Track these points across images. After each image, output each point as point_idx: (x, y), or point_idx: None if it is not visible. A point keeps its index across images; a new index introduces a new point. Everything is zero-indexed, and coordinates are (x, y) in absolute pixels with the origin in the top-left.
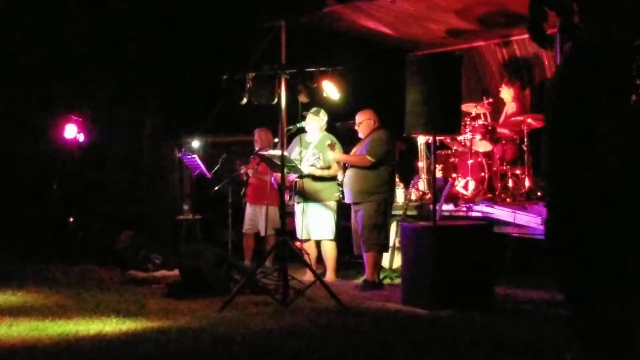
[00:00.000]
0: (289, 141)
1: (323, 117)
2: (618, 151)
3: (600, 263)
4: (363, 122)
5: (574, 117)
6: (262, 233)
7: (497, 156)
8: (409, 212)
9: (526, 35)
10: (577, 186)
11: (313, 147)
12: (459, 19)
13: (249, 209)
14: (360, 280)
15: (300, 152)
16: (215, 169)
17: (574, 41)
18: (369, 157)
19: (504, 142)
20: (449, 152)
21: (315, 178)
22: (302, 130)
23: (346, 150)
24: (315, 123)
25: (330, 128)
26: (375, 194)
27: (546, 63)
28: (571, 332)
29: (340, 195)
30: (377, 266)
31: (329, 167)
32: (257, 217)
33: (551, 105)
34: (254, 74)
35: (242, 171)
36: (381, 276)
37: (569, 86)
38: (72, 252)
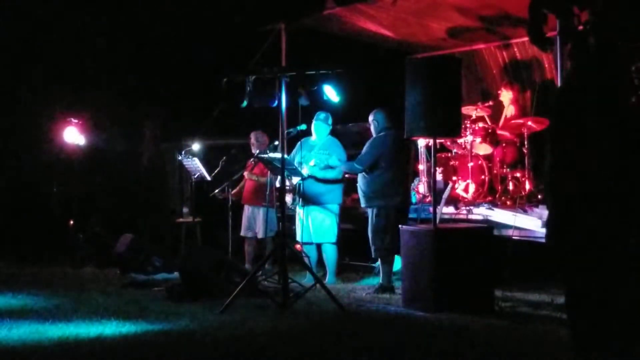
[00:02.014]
0: (289, 144)
1: (330, 123)
2: (616, 151)
3: (603, 264)
4: (371, 123)
5: (576, 120)
6: (260, 235)
7: (498, 159)
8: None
9: (526, 38)
10: (579, 187)
11: (318, 150)
12: (460, 17)
13: (246, 212)
14: (358, 284)
15: (303, 155)
16: (215, 171)
17: (577, 46)
18: (356, 165)
19: (504, 144)
20: (449, 154)
21: (318, 181)
22: (303, 133)
23: (350, 152)
24: (323, 131)
25: (330, 131)
26: (376, 198)
27: (546, 66)
28: (571, 335)
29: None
30: (388, 270)
31: (331, 167)
32: (255, 219)
33: (555, 110)
34: (254, 77)
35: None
36: None
37: (574, 91)
38: (72, 254)
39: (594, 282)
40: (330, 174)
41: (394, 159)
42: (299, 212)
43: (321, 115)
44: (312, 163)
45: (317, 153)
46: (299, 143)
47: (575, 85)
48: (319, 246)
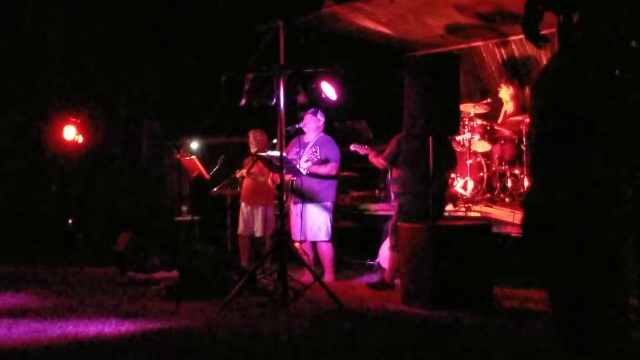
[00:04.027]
0: (288, 142)
1: (320, 117)
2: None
3: (584, 263)
4: None
5: (565, 120)
6: (258, 234)
7: (496, 156)
8: None
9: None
10: (564, 187)
11: (311, 147)
12: (458, 14)
13: (244, 210)
14: (357, 281)
15: (299, 152)
16: (214, 170)
17: (567, 41)
18: (381, 159)
19: (502, 141)
20: None
21: (312, 177)
22: (301, 131)
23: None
24: (312, 123)
25: (328, 128)
26: (398, 196)
27: (544, 62)
28: (555, 332)
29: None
30: (394, 268)
31: (325, 162)
32: (252, 218)
33: (538, 107)
34: (252, 75)
35: (237, 175)
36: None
37: (562, 87)
38: (71, 253)
39: (572, 277)
40: (322, 171)
41: (411, 159)
42: (293, 209)
43: (312, 111)
44: (305, 162)
45: (314, 148)
46: (293, 141)
47: (563, 79)
48: (313, 244)
